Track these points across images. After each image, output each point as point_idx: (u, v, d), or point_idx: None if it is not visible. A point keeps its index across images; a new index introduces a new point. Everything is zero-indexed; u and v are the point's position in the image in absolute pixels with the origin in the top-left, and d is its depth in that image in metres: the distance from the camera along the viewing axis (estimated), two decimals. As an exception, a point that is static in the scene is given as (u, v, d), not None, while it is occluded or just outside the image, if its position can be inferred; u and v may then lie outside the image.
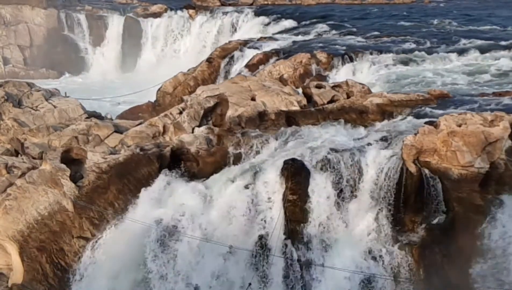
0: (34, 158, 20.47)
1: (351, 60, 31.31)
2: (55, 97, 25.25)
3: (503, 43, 33.23)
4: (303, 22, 48.01)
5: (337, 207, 17.34)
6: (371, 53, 31.91)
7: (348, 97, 22.27)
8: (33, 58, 52.96)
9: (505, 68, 27.82)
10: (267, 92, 22.19)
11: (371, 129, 19.87)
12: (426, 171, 16.37)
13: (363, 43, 36.71)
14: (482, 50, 31.60)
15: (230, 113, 21.18)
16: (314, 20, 48.35)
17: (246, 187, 17.98)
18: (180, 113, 21.76)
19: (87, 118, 23.72)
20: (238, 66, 34.01)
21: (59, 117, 23.74)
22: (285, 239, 17.40)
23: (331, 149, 17.86)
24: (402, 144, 16.79)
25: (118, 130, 21.88)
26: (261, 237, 17.36)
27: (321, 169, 17.45)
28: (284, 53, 33.61)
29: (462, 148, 16.21)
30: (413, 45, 34.61)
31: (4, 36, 52.48)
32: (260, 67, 32.36)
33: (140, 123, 22.46)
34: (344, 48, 34.41)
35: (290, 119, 20.97)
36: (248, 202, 17.77)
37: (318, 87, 23.14)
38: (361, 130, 19.80)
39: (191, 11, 55.49)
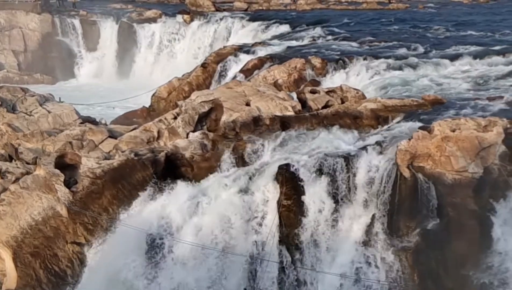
0: (28, 163, 20.43)
1: (346, 65, 31.35)
2: (49, 102, 25.21)
3: (496, 48, 33.31)
4: (298, 28, 48.02)
5: (331, 212, 17.34)
6: (365, 58, 31.87)
7: (343, 102, 22.30)
8: (28, 63, 52.87)
9: (499, 73, 27.85)
10: (261, 97, 22.21)
11: (366, 134, 19.90)
12: (420, 176, 16.38)
13: (358, 48, 36.74)
14: (476, 55, 31.61)
15: (224, 118, 21.17)
16: (309, 25, 48.41)
17: (241, 192, 17.99)
18: (175, 118, 21.75)
19: (81, 123, 23.68)
20: (233, 71, 34.00)
21: (53, 122, 23.70)
22: (280, 244, 17.40)
23: (326, 154, 17.87)
24: (396, 149, 16.81)
25: (112, 135, 21.85)
26: (255, 242, 17.35)
27: (316, 174, 17.46)
28: (279, 58, 33.58)
29: (456, 153, 16.25)
30: (408, 51, 34.63)
31: (-2, 41, 52.48)
32: (255, 72, 32.32)
33: (134, 128, 22.43)
34: (338, 53, 34.39)
35: (284, 124, 20.97)
36: (242, 207, 17.75)
37: (313, 92, 23.16)
38: (356, 135, 19.81)
39: (186, 16, 55.50)
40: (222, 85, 27.45)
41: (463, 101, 22.49)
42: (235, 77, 31.86)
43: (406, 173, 16.47)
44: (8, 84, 31.06)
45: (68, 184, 18.62)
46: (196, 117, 21.55)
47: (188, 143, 20.20)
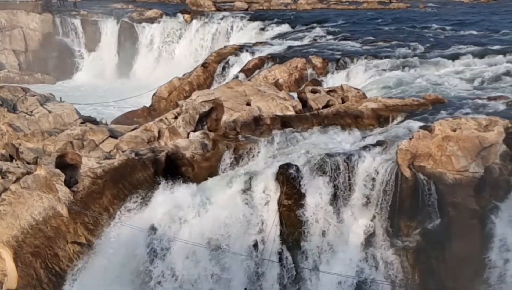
0: (28, 163, 20.43)
1: (346, 65, 31.38)
2: (50, 102, 25.23)
3: (496, 47, 33.30)
4: (298, 27, 48.09)
5: (332, 212, 17.33)
6: (366, 58, 31.95)
7: (343, 102, 22.31)
8: (28, 63, 52.79)
9: (499, 72, 27.82)
10: (262, 97, 22.21)
11: (366, 133, 19.90)
12: (421, 175, 16.39)
13: (358, 48, 36.79)
14: (476, 55, 31.65)
15: (225, 118, 21.18)
16: (309, 25, 48.45)
17: (241, 192, 17.96)
18: (175, 118, 21.75)
19: (82, 123, 23.70)
20: (234, 71, 34.01)
21: (54, 122, 23.71)
22: (281, 244, 17.39)
23: (326, 154, 17.86)
24: (397, 149, 16.80)
25: (113, 135, 21.86)
26: (256, 242, 17.34)
27: (316, 173, 17.45)
28: (280, 58, 33.62)
29: (457, 153, 16.24)
30: (408, 50, 34.67)
31: (-1, 41, 52.42)
32: (256, 72, 32.37)
33: (135, 128, 22.44)
34: (339, 53, 34.45)
35: (285, 123, 20.98)
36: (243, 207, 17.74)
37: (313, 92, 23.17)
38: (356, 135, 19.82)
39: (186, 16, 55.47)
40: (223, 84, 27.45)
41: (463, 100, 22.51)
42: (236, 76, 31.87)
43: (407, 173, 16.47)
44: (8, 84, 31.07)
45: (69, 184, 18.61)
46: (197, 116, 21.55)
47: (188, 142, 20.19)
